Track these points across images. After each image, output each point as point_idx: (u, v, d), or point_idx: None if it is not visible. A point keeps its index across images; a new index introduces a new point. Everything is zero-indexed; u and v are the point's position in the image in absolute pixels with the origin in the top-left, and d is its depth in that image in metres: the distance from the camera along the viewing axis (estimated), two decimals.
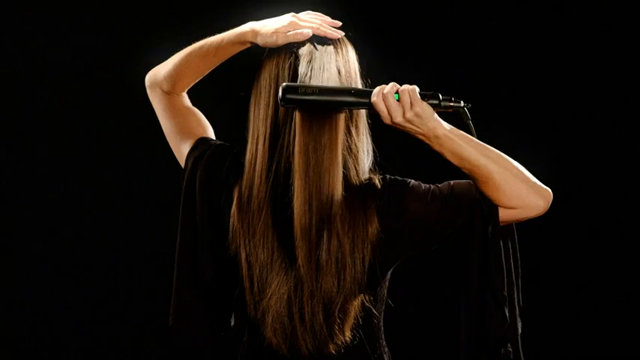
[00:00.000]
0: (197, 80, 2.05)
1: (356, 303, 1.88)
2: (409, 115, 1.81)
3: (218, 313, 1.98)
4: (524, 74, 3.69)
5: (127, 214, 3.55)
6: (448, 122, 1.85)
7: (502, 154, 1.87)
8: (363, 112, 1.92)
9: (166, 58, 2.06)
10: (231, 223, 1.89)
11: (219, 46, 1.97)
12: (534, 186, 1.87)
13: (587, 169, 3.69)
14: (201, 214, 1.94)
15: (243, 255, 1.88)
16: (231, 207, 1.90)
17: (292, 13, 1.93)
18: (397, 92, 1.82)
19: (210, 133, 2.05)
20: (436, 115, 1.83)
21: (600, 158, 3.70)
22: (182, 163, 2.01)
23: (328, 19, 1.94)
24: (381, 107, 1.82)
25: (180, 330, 1.97)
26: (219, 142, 2.01)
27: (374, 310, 1.92)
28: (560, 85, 3.68)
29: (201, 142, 2.00)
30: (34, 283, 3.53)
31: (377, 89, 1.83)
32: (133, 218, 3.56)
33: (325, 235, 1.83)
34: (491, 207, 1.86)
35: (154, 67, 2.09)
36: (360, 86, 1.93)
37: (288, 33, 1.90)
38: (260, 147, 1.89)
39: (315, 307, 1.86)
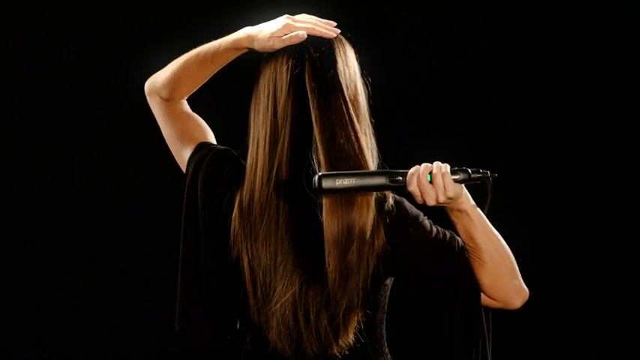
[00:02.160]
0: (196, 88, 2.05)
1: (358, 307, 1.87)
2: (442, 199, 1.82)
3: (223, 317, 1.97)
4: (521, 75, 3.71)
5: (130, 220, 3.56)
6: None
7: (504, 243, 1.89)
8: (366, 113, 1.92)
9: (167, 63, 2.06)
10: (232, 228, 1.89)
11: (215, 53, 1.97)
12: (518, 285, 1.89)
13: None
14: (204, 218, 1.94)
15: (246, 260, 1.88)
16: (232, 211, 1.90)
17: (287, 15, 1.93)
18: (430, 172, 1.83)
19: (211, 138, 2.05)
20: (465, 189, 1.85)
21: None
22: (183, 169, 2.01)
23: (322, 20, 1.93)
24: (416, 193, 1.83)
25: (186, 335, 1.97)
26: (219, 146, 2.01)
27: (375, 317, 1.92)
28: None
29: (202, 147, 1.99)
30: (40, 291, 3.54)
31: (411, 172, 1.83)
32: (137, 224, 3.56)
33: (356, 242, 1.84)
34: (476, 290, 1.89)
35: (153, 73, 2.08)
36: (359, 86, 1.92)
37: (284, 37, 1.89)
38: (260, 151, 1.89)
39: (319, 310, 1.86)
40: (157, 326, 3.36)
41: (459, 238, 1.89)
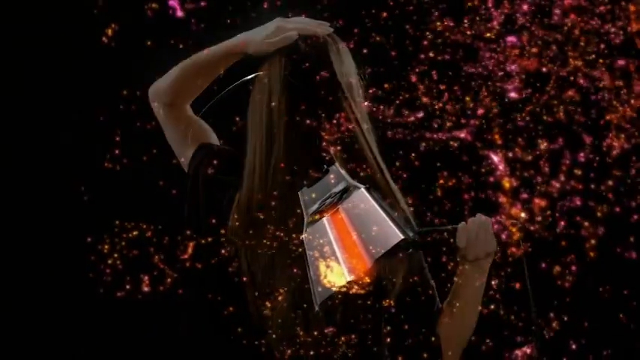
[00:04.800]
0: (197, 93, 2.06)
1: (356, 309, 1.89)
2: (482, 254, 1.90)
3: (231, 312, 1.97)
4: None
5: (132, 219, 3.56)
6: None
7: (476, 316, 1.95)
8: (363, 108, 1.94)
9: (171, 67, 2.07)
10: (231, 229, 1.91)
11: (212, 60, 1.99)
12: (459, 356, 1.96)
13: None
14: (205, 219, 1.95)
15: (245, 263, 1.90)
16: (232, 212, 1.92)
17: (279, 18, 1.95)
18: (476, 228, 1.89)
19: (213, 139, 2.07)
20: None
21: None
22: (186, 169, 2.03)
23: (315, 21, 1.96)
24: (462, 247, 1.89)
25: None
26: (220, 146, 2.03)
27: (375, 318, 1.93)
28: None
29: (203, 148, 2.01)
30: (40, 292, 3.55)
31: (461, 228, 1.89)
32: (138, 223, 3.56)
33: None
34: (438, 342, 1.95)
35: (159, 75, 2.09)
36: (354, 82, 1.94)
37: (275, 39, 1.92)
38: (258, 154, 1.91)
39: (318, 310, 1.85)
40: (157, 327, 3.37)
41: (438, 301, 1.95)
